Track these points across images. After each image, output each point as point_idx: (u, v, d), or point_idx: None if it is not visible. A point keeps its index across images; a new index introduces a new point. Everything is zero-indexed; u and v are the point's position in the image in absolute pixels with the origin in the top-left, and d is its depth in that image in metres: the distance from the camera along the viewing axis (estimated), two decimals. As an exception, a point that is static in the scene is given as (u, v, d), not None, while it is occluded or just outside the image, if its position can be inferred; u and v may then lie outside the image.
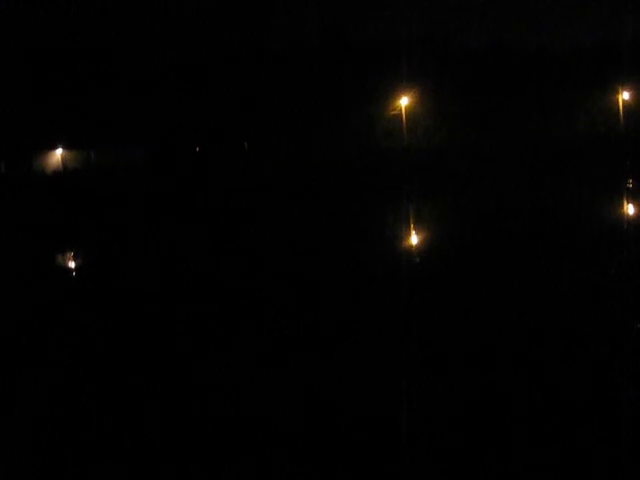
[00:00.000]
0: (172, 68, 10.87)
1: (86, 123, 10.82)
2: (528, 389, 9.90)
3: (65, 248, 10.67)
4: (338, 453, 9.46)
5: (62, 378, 9.85)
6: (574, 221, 10.95)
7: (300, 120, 10.97)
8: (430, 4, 10.94)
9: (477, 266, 10.68)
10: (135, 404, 9.79)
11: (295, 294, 10.43)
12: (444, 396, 9.85)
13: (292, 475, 9.37)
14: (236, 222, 10.65)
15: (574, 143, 11.24)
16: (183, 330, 10.21)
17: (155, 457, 9.44)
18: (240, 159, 10.99)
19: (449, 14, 11.01)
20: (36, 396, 9.68)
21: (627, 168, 11.07)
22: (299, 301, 10.39)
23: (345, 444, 9.52)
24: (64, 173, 10.90)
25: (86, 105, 10.77)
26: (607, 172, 11.09)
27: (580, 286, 10.65)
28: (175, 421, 9.69)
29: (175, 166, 10.97)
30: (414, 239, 10.75)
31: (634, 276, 10.70)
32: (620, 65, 11.16)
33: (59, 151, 10.94)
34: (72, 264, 10.66)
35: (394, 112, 10.91)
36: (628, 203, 11.07)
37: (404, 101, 10.91)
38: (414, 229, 10.76)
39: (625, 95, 11.25)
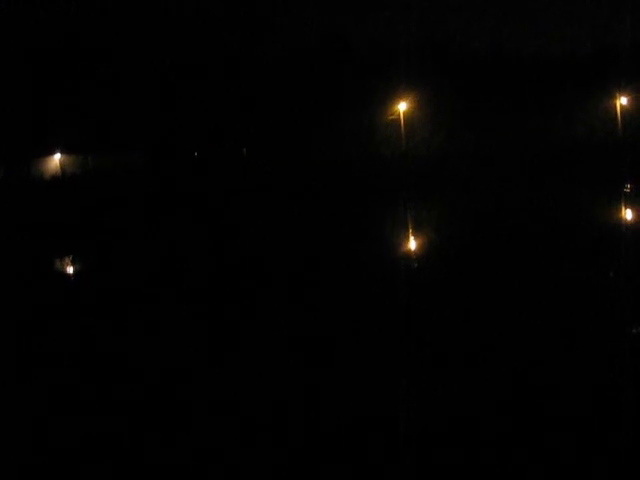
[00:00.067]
0: (172, 68, 10.88)
1: (85, 123, 10.84)
2: (528, 389, 9.91)
3: (64, 251, 10.67)
4: (338, 453, 9.45)
5: (62, 378, 9.84)
6: (572, 224, 11.00)
7: (300, 120, 10.99)
8: (430, 5, 10.98)
9: (476, 267, 10.72)
10: (135, 404, 9.78)
11: (295, 294, 10.44)
12: (444, 396, 9.86)
13: (292, 475, 9.36)
14: (236, 222, 10.66)
15: (572, 146, 11.29)
16: (183, 330, 10.21)
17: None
18: (240, 160, 11.01)
19: (449, 14, 11.05)
20: (36, 396, 9.67)
21: (625, 173, 11.12)
22: (299, 301, 10.40)
23: (345, 444, 9.51)
24: (62, 177, 10.92)
25: (85, 105, 10.78)
26: (605, 175, 11.14)
27: (579, 287, 10.68)
28: (175, 421, 9.68)
29: (174, 168, 10.98)
30: (414, 240, 10.77)
31: (632, 277, 10.73)
32: (618, 69, 11.22)
33: (57, 156, 10.96)
34: (71, 267, 10.66)
35: (392, 117, 10.96)
36: (626, 208, 11.12)
37: (402, 106, 10.95)
38: (414, 230, 10.78)
39: (623, 100, 11.31)
